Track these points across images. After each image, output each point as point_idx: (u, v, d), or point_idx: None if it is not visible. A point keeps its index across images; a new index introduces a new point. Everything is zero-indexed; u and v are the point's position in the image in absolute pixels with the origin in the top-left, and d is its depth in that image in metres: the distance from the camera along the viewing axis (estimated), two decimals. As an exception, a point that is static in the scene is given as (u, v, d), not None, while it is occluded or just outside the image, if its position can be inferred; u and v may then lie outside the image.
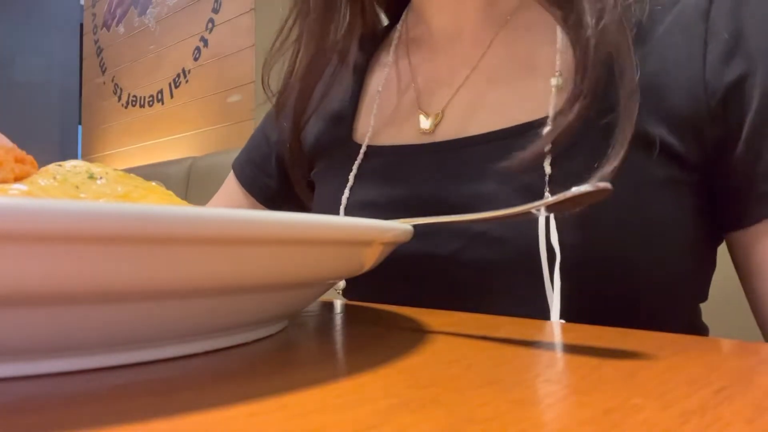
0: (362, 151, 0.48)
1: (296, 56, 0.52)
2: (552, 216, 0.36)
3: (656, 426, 0.13)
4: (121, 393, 0.15)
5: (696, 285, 0.42)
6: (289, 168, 0.55)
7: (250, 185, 0.59)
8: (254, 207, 0.59)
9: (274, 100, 0.54)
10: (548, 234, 0.36)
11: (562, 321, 0.34)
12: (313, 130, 0.53)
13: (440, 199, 0.42)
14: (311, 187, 0.55)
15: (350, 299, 0.47)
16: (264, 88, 0.54)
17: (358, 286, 0.45)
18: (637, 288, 0.37)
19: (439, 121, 0.45)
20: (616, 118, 0.36)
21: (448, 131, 0.44)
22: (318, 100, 0.53)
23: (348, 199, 0.47)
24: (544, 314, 0.35)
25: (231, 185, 0.61)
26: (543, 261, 0.36)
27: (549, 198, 0.23)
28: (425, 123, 0.46)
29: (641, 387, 0.16)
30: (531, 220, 0.37)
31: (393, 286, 0.41)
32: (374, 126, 0.49)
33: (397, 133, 0.47)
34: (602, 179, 0.34)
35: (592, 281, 0.36)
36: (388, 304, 0.37)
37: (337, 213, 0.47)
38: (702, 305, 0.44)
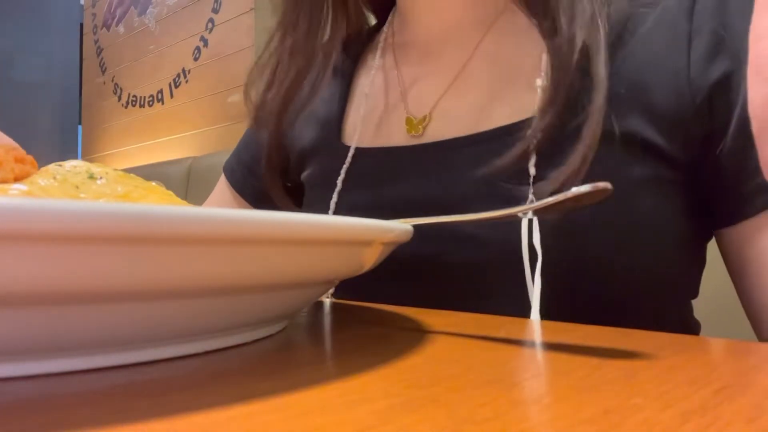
0: (350, 153, 0.48)
1: (275, 69, 0.52)
2: (535, 217, 0.37)
3: (656, 426, 0.13)
4: (120, 393, 0.15)
5: (685, 282, 0.42)
6: (265, 173, 0.54)
7: (240, 187, 0.59)
8: (245, 209, 0.59)
9: (253, 112, 0.54)
10: (531, 235, 0.36)
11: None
12: (301, 134, 0.53)
13: (427, 200, 0.42)
14: (290, 193, 0.55)
15: (338, 299, 0.47)
16: (245, 101, 0.54)
17: (345, 287, 0.45)
18: (624, 287, 0.37)
19: (427, 124, 0.45)
20: (586, 116, 0.36)
21: (435, 133, 0.45)
22: (300, 106, 0.53)
23: (336, 202, 0.47)
24: (529, 314, 0.35)
25: (222, 188, 0.61)
26: (525, 262, 0.36)
27: (548, 198, 0.23)
28: (412, 125, 0.46)
29: (641, 387, 0.16)
30: (516, 222, 0.37)
31: (380, 286, 0.41)
32: (362, 129, 0.49)
33: (385, 136, 0.48)
34: (566, 176, 0.35)
35: (578, 281, 0.37)
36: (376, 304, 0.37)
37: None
38: (695, 302, 0.44)
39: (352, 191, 0.47)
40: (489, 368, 0.18)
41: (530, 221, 0.37)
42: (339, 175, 0.47)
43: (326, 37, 0.52)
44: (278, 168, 0.54)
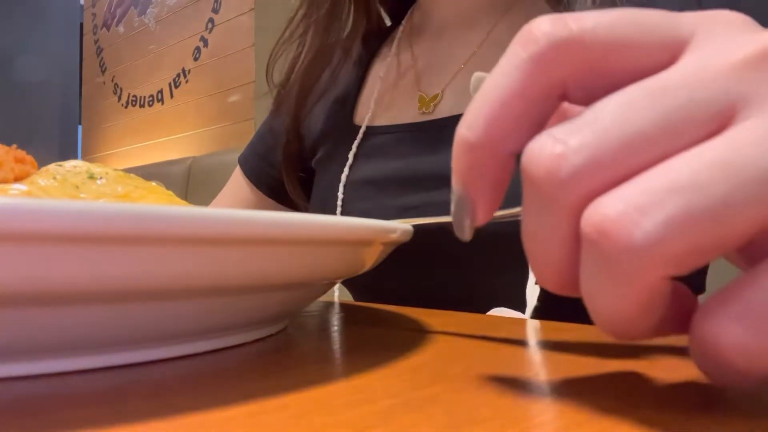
0: (361, 131, 0.49)
1: (301, 50, 0.54)
2: None
3: (656, 426, 0.13)
4: (120, 393, 0.15)
5: (690, 275, 0.42)
6: (283, 159, 0.56)
7: (255, 177, 0.60)
8: (260, 200, 0.60)
9: (275, 92, 0.55)
10: None
11: (538, 286, 0.35)
12: (316, 119, 0.55)
13: (434, 173, 0.43)
14: (303, 185, 0.56)
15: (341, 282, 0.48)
16: (267, 80, 0.55)
17: None
18: None
19: (438, 102, 0.47)
20: None
21: (445, 111, 0.46)
22: (318, 95, 0.54)
23: (347, 177, 0.48)
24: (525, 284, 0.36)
25: (237, 179, 0.62)
26: None
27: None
28: (424, 103, 0.47)
29: (640, 387, 0.16)
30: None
31: (384, 265, 0.42)
32: (374, 109, 0.50)
33: (397, 114, 0.49)
34: None
35: None
36: (379, 278, 0.38)
37: (336, 192, 0.48)
38: (698, 298, 0.45)
39: (362, 166, 0.48)
40: (489, 368, 0.18)
41: None
42: (350, 150, 0.48)
43: (346, 30, 0.54)
44: (295, 154, 0.55)
